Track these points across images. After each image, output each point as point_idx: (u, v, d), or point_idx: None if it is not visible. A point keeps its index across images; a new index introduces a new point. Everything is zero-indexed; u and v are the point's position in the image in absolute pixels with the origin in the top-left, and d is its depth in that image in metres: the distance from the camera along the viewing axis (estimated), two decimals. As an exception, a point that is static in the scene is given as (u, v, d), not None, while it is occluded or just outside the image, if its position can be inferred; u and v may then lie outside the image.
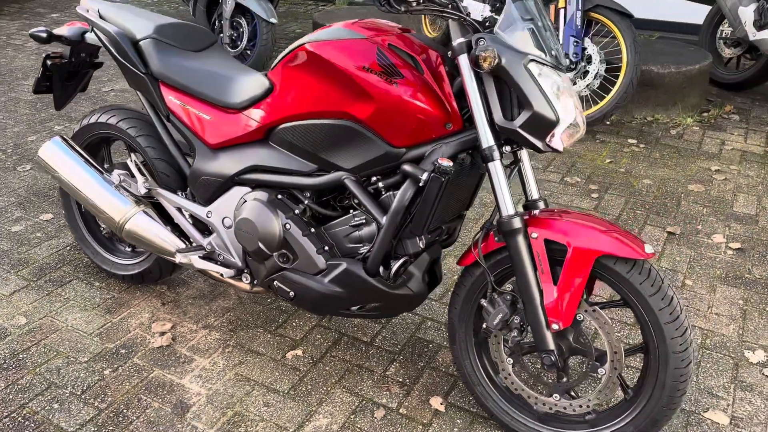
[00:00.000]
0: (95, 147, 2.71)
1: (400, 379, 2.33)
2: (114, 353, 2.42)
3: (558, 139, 1.82)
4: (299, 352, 2.44)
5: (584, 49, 4.14)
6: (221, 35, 5.25)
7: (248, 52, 5.10)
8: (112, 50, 2.38)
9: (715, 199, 3.54)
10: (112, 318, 2.61)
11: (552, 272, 1.86)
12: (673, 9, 5.91)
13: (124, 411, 2.17)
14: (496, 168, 1.84)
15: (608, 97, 4.11)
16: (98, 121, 2.57)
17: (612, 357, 1.88)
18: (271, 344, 2.48)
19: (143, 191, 2.38)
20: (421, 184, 1.88)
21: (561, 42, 4.10)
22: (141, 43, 2.34)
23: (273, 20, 4.93)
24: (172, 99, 2.31)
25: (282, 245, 2.12)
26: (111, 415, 2.16)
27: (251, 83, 2.19)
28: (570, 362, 2.26)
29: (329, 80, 1.94)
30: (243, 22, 5.10)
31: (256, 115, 2.15)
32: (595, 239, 1.79)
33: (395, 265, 1.99)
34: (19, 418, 2.13)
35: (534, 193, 2.05)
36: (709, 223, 3.29)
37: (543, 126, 1.78)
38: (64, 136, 2.57)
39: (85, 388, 2.26)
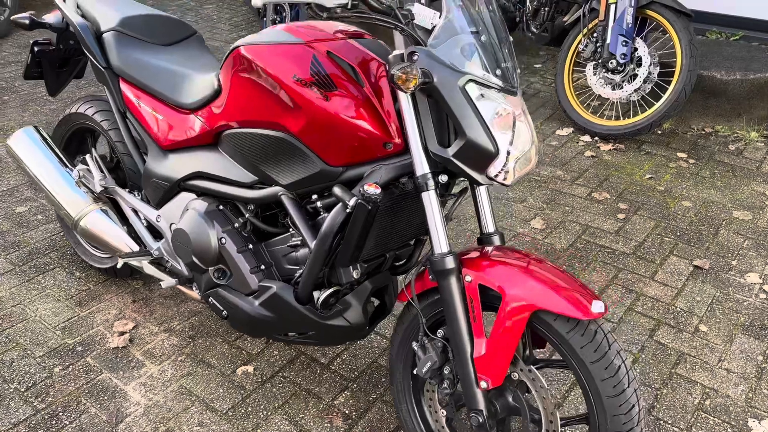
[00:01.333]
0: (80, 137, 2.67)
1: (347, 411, 2.16)
2: (70, 350, 2.39)
3: (501, 173, 1.57)
4: (250, 368, 2.31)
5: (634, 49, 3.74)
6: (265, 18, 5.16)
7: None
8: (79, 41, 2.31)
9: (761, 231, 3.11)
10: (81, 311, 2.58)
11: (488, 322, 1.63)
12: (761, 4, 5.28)
13: (60, 414, 2.13)
14: (431, 199, 1.61)
15: (657, 105, 3.70)
16: (77, 111, 2.52)
17: (547, 426, 1.63)
18: (225, 356, 2.37)
19: (99, 189, 2.31)
20: (348, 210, 1.69)
21: (608, 41, 3.72)
22: (104, 35, 2.25)
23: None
24: (129, 95, 2.21)
25: (218, 260, 1.99)
26: (46, 417, 2.11)
27: (204, 83, 2.05)
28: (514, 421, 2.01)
29: (262, 88, 1.77)
30: (287, 6, 4.99)
31: (204, 117, 2.02)
32: (533, 290, 1.54)
33: (323, 295, 1.81)
34: (-42, 411, 2.13)
35: (489, 226, 1.81)
36: (746, 259, 2.89)
37: (479, 157, 1.55)
38: (37, 126, 2.54)
39: (30, 385, 2.23)
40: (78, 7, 2.39)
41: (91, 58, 2.26)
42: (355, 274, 1.83)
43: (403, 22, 1.64)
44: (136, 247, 2.27)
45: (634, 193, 3.40)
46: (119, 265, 2.22)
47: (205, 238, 1.96)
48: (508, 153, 1.56)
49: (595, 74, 3.89)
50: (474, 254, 1.68)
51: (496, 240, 1.80)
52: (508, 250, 1.71)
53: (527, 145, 1.62)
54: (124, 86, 2.22)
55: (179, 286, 2.22)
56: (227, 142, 1.95)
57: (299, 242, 1.90)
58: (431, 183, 1.61)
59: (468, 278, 1.62)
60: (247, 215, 1.99)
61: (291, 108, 1.74)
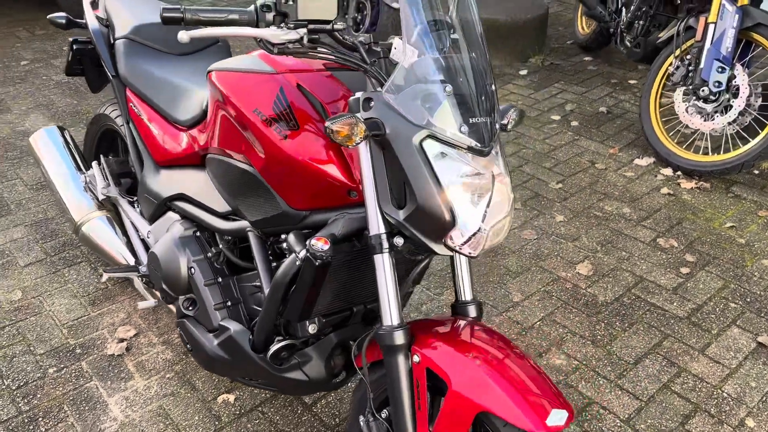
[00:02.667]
0: (110, 138, 2.67)
1: (316, 462, 2.01)
2: (69, 351, 2.40)
3: (465, 247, 1.35)
4: (232, 397, 2.21)
5: (731, 77, 3.26)
6: (346, 15, 5.03)
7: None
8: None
9: None
10: (92, 311, 2.59)
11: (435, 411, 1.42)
12: None
13: (39, 419, 2.13)
14: (383, 263, 1.41)
15: (755, 141, 3.22)
16: (104, 112, 2.51)
17: None
18: (211, 380, 2.28)
19: (101, 196, 2.28)
20: (297, 263, 1.52)
21: (702, 65, 3.26)
22: (116, 42, 2.20)
23: (395, 5, 4.59)
24: (133, 105, 2.15)
25: (188, 289, 1.89)
26: (26, 420, 2.13)
27: (198, 101, 1.95)
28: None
29: (230, 117, 1.64)
30: (368, 4, 4.83)
31: (194, 137, 1.92)
32: (481, 387, 1.32)
33: (273, 347, 1.66)
34: (-49, 402, 2.19)
35: (466, 293, 1.59)
36: (827, 342, 2.43)
37: (433, 225, 1.33)
38: (62, 127, 2.56)
39: (22, 384, 2.26)
40: (105, 10, 2.37)
41: (103, 64, 2.23)
42: (311, 329, 1.66)
43: (367, 62, 1.44)
44: (131, 261, 2.23)
45: (707, 244, 2.98)
46: (103, 279, 2.19)
47: (176, 265, 1.87)
48: (471, 224, 1.33)
49: (684, 101, 3.44)
50: (430, 329, 1.47)
51: (472, 311, 1.58)
52: (476, 328, 1.48)
53: (498, 215, 1.37)
54: (130, 95, 2.17)
55: (170, 305, 2.15)
56: (210, 167, 1.84)
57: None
58: (385, 245, 1.41)
59: (416, 358, 1.41)
60: (221, 246, 1.88)
61: (253, 142, 1.59)
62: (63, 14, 2.49)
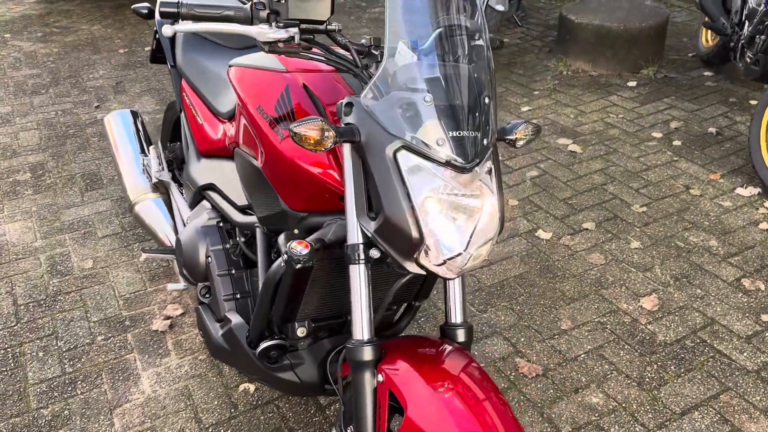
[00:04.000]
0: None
1: (316, 465, 1.99)
2: (119, 322, 2.55)
3: (440, 268, 1.27)
4: (252, 388, 2.25)
5: None
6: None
7: (472, 38, 4.73)
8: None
9: None
10: (148, 287, 2.74)
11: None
12: None
13: (78, 382, 2.28)
14: (358, 274, 1.36)
15: None
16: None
17: None
18: (238, 368, 2.33)
19: (154, 179, 2.39)
20: (282, 264, 1.51)
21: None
22: (177, 33, 2.29)
23: (499, 7, 4.45)
24: (185, 95, 2.23)
25: (205, 277, 1.93)
26: (66, 381, 2.28)
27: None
28: None
29: (243, 112, 1.65)
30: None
31: (226, 129, 1.96)
32: (435, 418, 1.23)
33: (263, 345, 1.66)
34: (9, 355, 2.39)
35: (456, 316, 1.50)
36: None
37: (401, 241, 1.26)
38: (136, 112, 2.70)
39: (71, 347, 2.43)
40: None
41: (165, 54, 2.33)
42: (300, 332, 1.64)
43: (359, 65, 1.39)
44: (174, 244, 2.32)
45: (803, 291, 2.62)
46: (141, 259, 2.29)
47: (195, 252, 1.92)
48: (447, 245, 1.25)
49: (800, 128, 3.06)
50: (402, 349, 1.40)
51: (460, 335, 1.48)
52: (451, 355, 1.39)
53: (479, 239, 1.28)
54: (184, 85, 2.25)
55: None
56: (236, 159, 1.87)
57: None
58: (361, 255, 1.35)
59: (380, 377, 1.35)
60: (239, 239, 1.90)
61: (256, 140, 1.59)
62: (146, 4, 2.63)
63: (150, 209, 2.40)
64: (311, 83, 1.54)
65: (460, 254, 1.27)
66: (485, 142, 1.30)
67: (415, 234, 1.24)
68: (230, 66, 1.73)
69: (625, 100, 4.24)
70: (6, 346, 2.43)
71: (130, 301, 2.66)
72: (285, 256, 1.47)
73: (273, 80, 1.57)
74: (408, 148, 1.25)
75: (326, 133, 1.24)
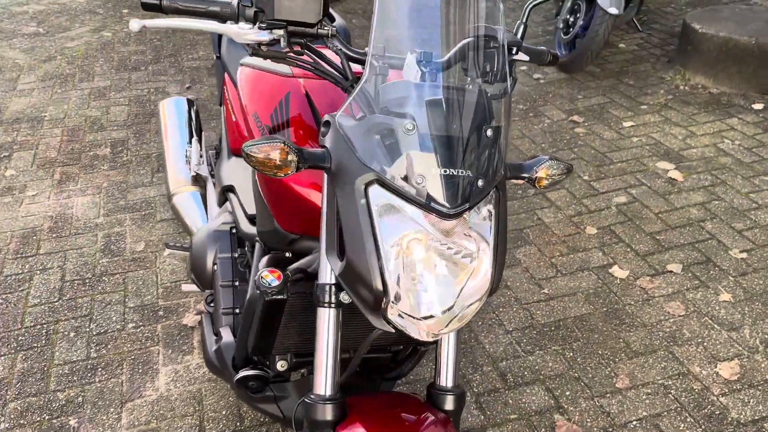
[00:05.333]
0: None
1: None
2: (153, 312, 2.51)
3: (404, 322, 1.06)
4: (262, 402, 2.12)
5: None
6: (559, 16, 4.57)
7: (580, 41, 4.34)
8: None
9: None
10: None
11: None
12: None
13: (99, 369, 2.26)
14: (326, 319, 1.18)
15: None
16: (232, 90, 2.55)
17: None
18: (255, 378, 2.22)
19: (192, 172, 2.31)
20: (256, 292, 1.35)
21: None
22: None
23: (613, 11, 4.04)
24: (226, 88, 2.12)
25: (211, 284, 1.82)
26: (88, 366, 2.27)
27: None
28: None
29: (242, 117, 1.51)
30: (583, 6, 4.32)
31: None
32: None
33: (242, 373, 1.51)
34: (44, 331, 2.41)
35: (447, 379, 1.28)
36: None
37: (365, 291, 1.06)
38: (192, 100, 2.63)
39: (102, 332, 2.42)
40: None
41: (212, 45, 2.24)
42: (280, 366, 1.49)
43: (349, 77, 1.19)
44: (205, 240, 2.23)
45: None
46: (165, 254, 2.21)
47: (204, 257, 1.81)
48: (423, 304, 1.04)
49: None
50: (369, 411, 1.20)
51: (448, 403, 1.27)
52: (426, 422, 1.17)
53: (459, 298, 1.05)
54: (226, 78, 2.14)
55: None
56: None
57: None
58: (330, 298, 1.17)
59: (339, 440, 1.16)
60: (247, 248, 1.77)
61: None
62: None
63: (186, 202, 2.32)
64: (316, 91, 1.37)
65: (433, 316, 1.05)
66: (480, 183, 1.06)
67: (377, 285, 1.04)
68: (241, 64, 1.58)
69: (747, 125, 3.72)
70: (43, 321, 2.46)
71: (169, 291, 2.62)
72: (254, 283, 1.32)
73: (275, 85, 1.41)
74: (382, 182, 1.04)
75: (289, 157, 1.06)
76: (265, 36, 1.16)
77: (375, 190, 1.04)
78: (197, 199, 2.34)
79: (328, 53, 1.27)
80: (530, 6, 1.33)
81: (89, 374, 2.24)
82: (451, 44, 1.16)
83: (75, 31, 5.40)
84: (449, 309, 1.06)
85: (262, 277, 1.25)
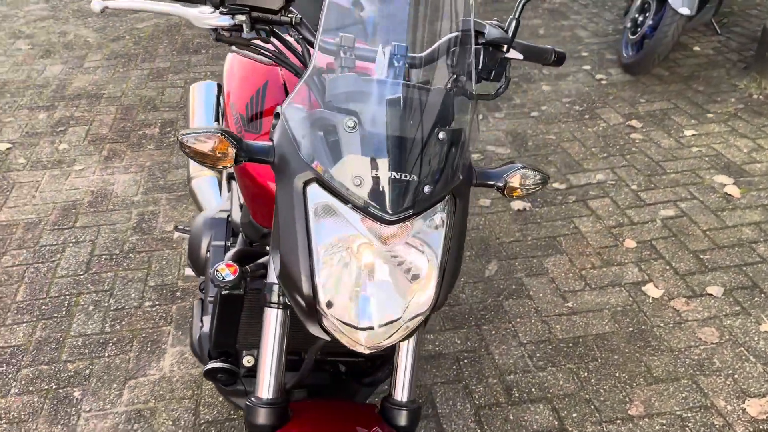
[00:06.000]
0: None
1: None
2: (171, 292, 2.54)
3: (342, 331, 1.00)
4: (259, 393, 2.11)
5: None
6: (627, 15, 4.32)
7: (648, 41, 4.09)
8: None
9: None
10: (212, 261, 2.71)
11: None
12: None
13: (110, 345, 2.31)
14: (271, 319, 1.14)
15: None
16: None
17: None
18: (256, 367, 2.21)
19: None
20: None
21: None
22: None
23: (685, 11, 3.78)
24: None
25: (204, 272, 1.81)
26: (100, 341, 2.32)
27: None
28: None
29: (224, 105, 1.47)
30: (653, 5, 4.06)
31: None
32: None
33: (210, 364, 1.48)
34: (65, 303, 2.49)
35: (402, 392, 1.21)
36: None
37: (297, 294, 1.00)
38: (221, 85, 2.63)
39: (119, 308, 2.47)
40: None
41: None
42: (246, 362, 1.46)
43: (308, 68, 1.13)
44: (217, 225, 2.23)
45: None
46: (175, 236, 2.22)
47: (199, 242, 1.80)
48: (338, 310, 0.97)
49: None
50: (308, 418, 1.14)
51: (402, 418, 1.20)
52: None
53: (394, 311, 0.98)
54: None
55: None
56: None
57: None
58: (275, 298, 1.12)
59: (275, 441, 1.12)
60: (240, 236, 1.74)
61: None
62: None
63: (203, 186, 2.33)
64: (295, 82, 1.31)
65: (372, 328, 0.99)
66: (427, 189, 0.98)
67: (307, 291, 0.98)
68: (230, 51, 1.55)
69: (824, 141, 3.41)
70: (67, 293, 2.53)
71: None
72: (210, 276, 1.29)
73: (255, 74, 1.37)
74: (321, 182, 0.98)
75: (228, 149, 1.01)
76: (225, 21, 1.12)
77: (313, 190, 0.98)
78: (214, 185, 2.34)
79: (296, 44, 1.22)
80: (524, 0, 1.23)
81: (100, 348, 2.29)
82: (420, 38, 1.09)
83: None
84: (389, 322, 0.99)
85: (217, 271, 1.22)
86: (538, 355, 2.23)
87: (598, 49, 4.65)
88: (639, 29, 4.17)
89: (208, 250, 1.77)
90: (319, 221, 0.98)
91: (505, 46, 1.23)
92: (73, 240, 2.82)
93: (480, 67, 1.21)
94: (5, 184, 3.19)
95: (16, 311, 2.44)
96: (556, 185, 3.15)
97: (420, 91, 1.01)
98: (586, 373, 2.16)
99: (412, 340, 1.20)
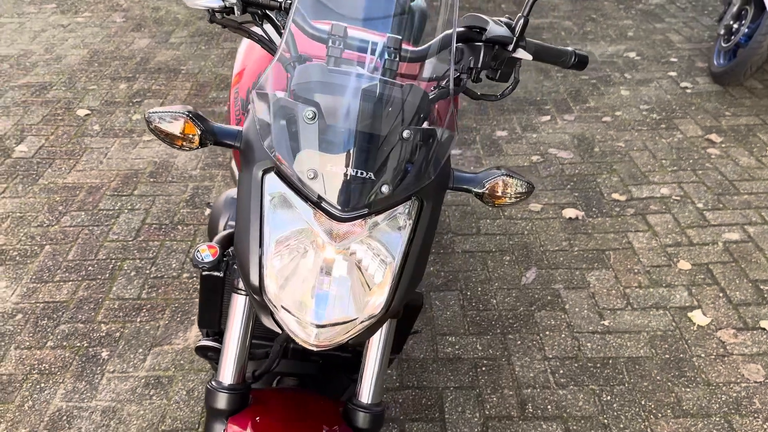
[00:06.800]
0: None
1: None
2: (209, 266, 2.60)
3: (291, 325, 0.99)
4: (272, 374, 2.13)
5: None
6: (722, 21, 4.02)
7: (741, 50, 3.79)
8: None
9: None
10: (253, 240, 2.75)
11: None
12: None
13: (144, 311, 2.40)
14: (237, 305, 1.14)
15: None
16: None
17: None
18: (275, 349, 2.23)
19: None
20: None
21: None
22: None
23: (785, 17, 3.48)
24: None
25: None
26: (134, 307, 2.42)
27: None
28: None
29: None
30: (751, 12, 3.76)
31: None
32: None
33: (201, 342, 1.50)
34: (110, 266, 2.60)
35: (368, 394, 1.20)
36: None
37: (247, 284, 1.00)
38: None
39: (158, 276, 2.56)
40: None
41: None
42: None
43: (293, 53, 1.11)
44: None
45: None
46: (206, 213, 2.26)
47: (216, 220, 1.82)
48: (288, 304, 0.96)
49: None
50: (263, 408, 1.14)
51: (363, 420, 1.18)
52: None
53: (335, 311, 0.95)
54: None
55: None
56: None
57: None
58: (242, 284, 1.12)
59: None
60: None
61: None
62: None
63: (242, 166, 2.36)
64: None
65: (323, 326, 0.96)
66: (385, 189, 0.94)
67: (254, 280, 0.97)
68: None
69: None
70: (113, 257, 2.65)
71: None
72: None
73: (262, 59, 1.36)
74: (279, 172, 0.96)
75: (195, 130, 1.01)
76: (216, 2, 1.12)
77: (271, 179, 0.97)
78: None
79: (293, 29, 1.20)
80: None
81: (134, 313, 2.39)
82: (404, 28, 1.05)
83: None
84: (340, 322, 0.97)
85: (198, 251, 1.23)
86: (561, 371, 2.13)
87: (689, 55, 4.38)
88: (733, 37, 3.88)
89: (225, 228, 1.79)
90: (275, 212, 0.96)
91: (511, 46, 1.17)
92: (129, 207, 2.95)
93: (480, 65, 1.15)
94: (78, 149, 3.37)
95: (65, 269, 2.58)
96: (615, 196, 2.99)
97: (391, 87, 0.97)
98: (609, 397, 2.05)
99: (380, 342, 1.16)
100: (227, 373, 1.14)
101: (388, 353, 1.17)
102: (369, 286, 0.96)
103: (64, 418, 2.00)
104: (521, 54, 1.19)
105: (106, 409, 2.03)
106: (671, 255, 2.63)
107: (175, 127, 1.00)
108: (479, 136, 3.51)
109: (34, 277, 2.54)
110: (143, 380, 2.13)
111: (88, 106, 3.79)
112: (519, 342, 2.24)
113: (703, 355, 2.18)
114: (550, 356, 2.19)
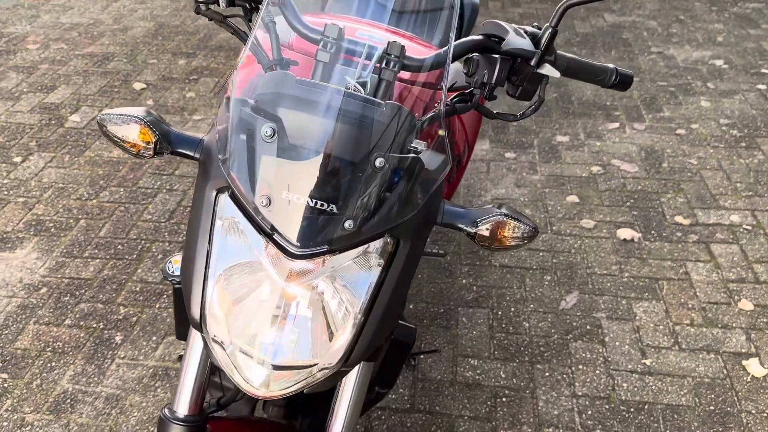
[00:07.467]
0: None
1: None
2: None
3: (232, 363, 0.88)
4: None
5: None
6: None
7: None
8: None
9: None
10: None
11: None
12: None
13: (164, 297, 2.36)
14: (195, 334, 1.04)
15: None
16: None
17: None
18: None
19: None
20: None
21: None
22: None
23: None
24: None
25: None
26: (156, 291, 2.38)
27: None
28: None
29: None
30: None
31: None
32: None
33: (180, 351, 1.42)
34: (139, 247, 2.57)
35: (342, 427, 1.06)
36: None
37: (192, 323, 0.89)
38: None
39: (184, 262, 2.51)
40: None
41: None
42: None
43: (276, 55, 0.99)
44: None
45: None
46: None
47: None
48: (230, 344, 0.84)
49: None
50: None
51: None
52: None
53: (284, 356, 0.83)
54: None
55: None
56: None
57: None
58: None
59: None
60: None
61: None
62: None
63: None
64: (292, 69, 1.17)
65: (258, 370, 0.85)
66: (348, 224, 0.81)
67: (195, 314, 0.85)
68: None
69: None
70: (144, 237, 2.62)
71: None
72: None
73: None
74: (234, 194, 0.84)
75: (149, 138, 0.90)
76: (202, -7, 1.00)
77: (224, 201, 0.85)
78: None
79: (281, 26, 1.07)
80: (564, 7, 0.97)
81: (154, 298, 2.34)
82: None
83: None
84: (293, 365, 0.85)
85: (170, 262, 1.14)
86: (589, 412, 1.95)
87: (784, 67, 3.99)
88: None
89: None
90: (225, 238, 0.84)
91: (534, 60, 1.00)
92: (167, 187, 2.92)
93: (494, 80, 0.99)
94: (128, 123, 3.38)
95: (95, 246, 2.57)
96: (678, 219, 2.74)
97: (370, 107, 0.83)
98: (639, 448, 1.85)
99: (355, 382, 1.03)
100: (182, 403, 1.04)
101: (362, 397, 1.05)
102: (335, 329, 0.84)
103: (68, 401, 1.97)
104: (547, 70, 1.02)
105: (110, 396, 1.99)
106: (732, 292, 2.37)
107: (129, 132, 0.90)
108: (537, 140, 3.30)
109: (64, 251, 2.54)
110: (151, 370, 2.08)
111: (145, 80, 3.79)
112: (547, 374, 2.06)
113: (753, 412, 1.94)
114: (580, 393, 2.01)
